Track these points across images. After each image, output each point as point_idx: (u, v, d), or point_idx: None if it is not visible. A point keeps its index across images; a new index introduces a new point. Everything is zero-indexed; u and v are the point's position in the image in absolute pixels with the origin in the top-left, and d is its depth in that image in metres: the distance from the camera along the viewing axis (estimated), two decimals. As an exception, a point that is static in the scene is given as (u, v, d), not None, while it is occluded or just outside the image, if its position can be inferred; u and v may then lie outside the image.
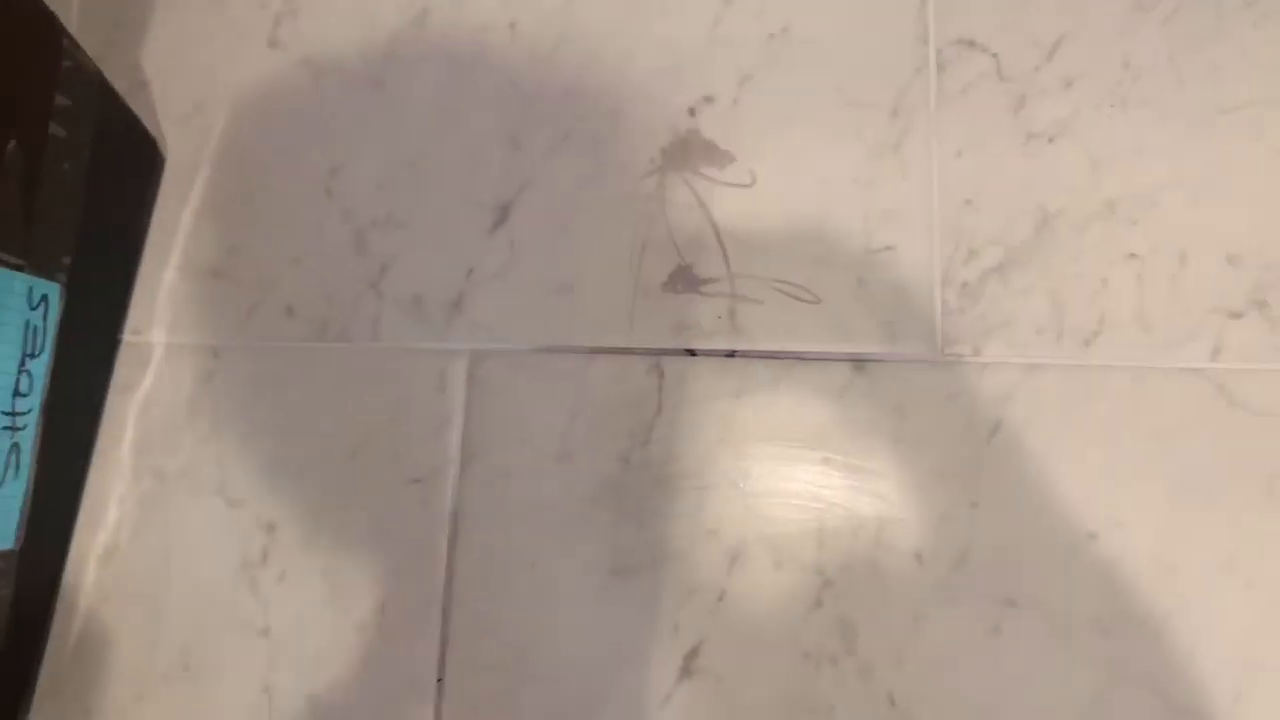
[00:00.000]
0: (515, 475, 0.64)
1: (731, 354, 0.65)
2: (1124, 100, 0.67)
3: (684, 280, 0.67)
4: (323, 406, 0.66)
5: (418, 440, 0.66)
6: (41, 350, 0.58)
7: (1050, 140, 0.67)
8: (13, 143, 0.54)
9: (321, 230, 0.70)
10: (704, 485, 0.63)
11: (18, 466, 0.57)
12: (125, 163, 0.68)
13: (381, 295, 0.68)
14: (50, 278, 0.59)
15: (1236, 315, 0.63)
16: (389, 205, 0.69)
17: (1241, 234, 0.64)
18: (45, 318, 0.58)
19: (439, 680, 0.62)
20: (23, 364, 0.56)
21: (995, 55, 0.68)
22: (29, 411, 0.57)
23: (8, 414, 0.55)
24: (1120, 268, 0.64)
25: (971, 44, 0.69)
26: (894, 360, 0.64)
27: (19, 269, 0.56)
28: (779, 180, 0.67)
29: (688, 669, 0.61)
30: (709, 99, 0.69)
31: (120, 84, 0.70)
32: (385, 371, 0.67)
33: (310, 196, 0.70)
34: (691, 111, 0.69)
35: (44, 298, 0.58)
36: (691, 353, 0.65)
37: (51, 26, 0.58)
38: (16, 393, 0.56)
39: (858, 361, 0.64)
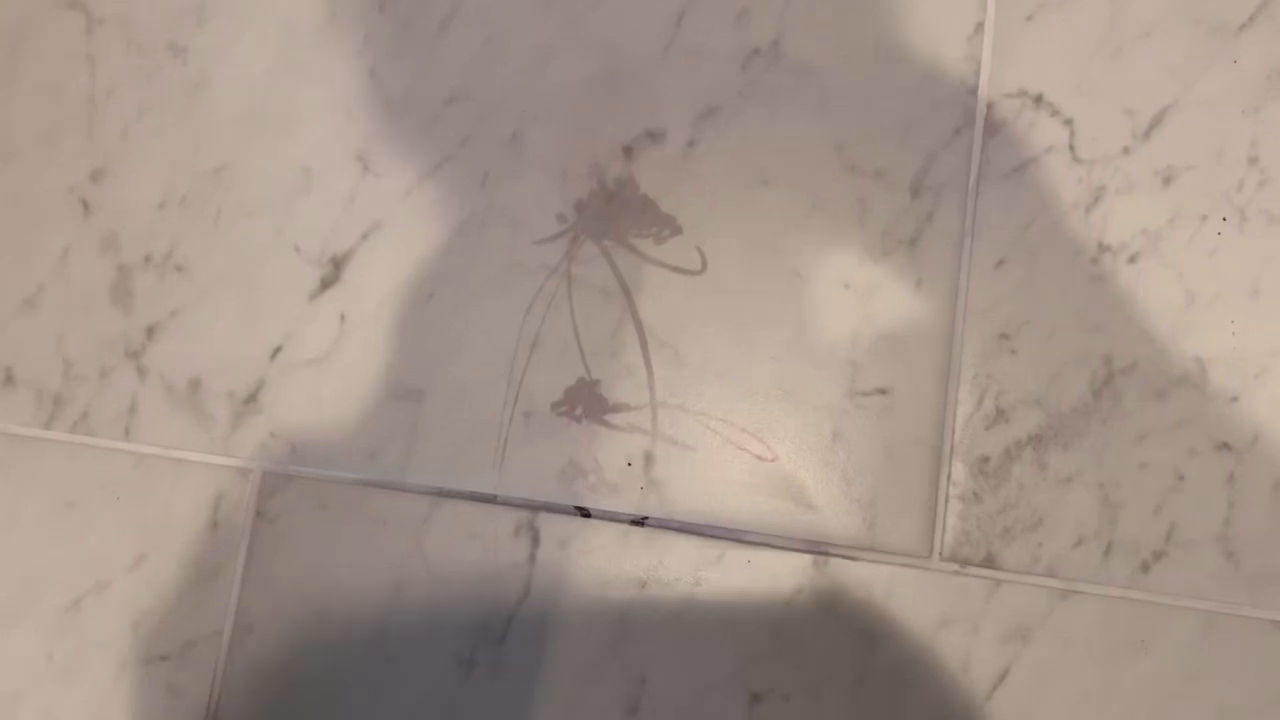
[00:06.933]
0: (303, 666, 0.44)
1: (641, 521, 0.45)
2: (1243, 213, 0.47)
3: (586, 402, 0.46)
4: (36, 527, 0.45)
5: (173, 594, 0.45)
6: None
7: (1132, 259, 0.46)
8: None
9: (68, 257, 0.47)
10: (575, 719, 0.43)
11: None
12: None
13: (144, 372, 0.46)
14: None
15: (1359, 548, 0.44)
16: (170, 236, 0.47)
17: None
18: None
19: None
20: None
21: (1070, 121, 0.47)
22: None
23: None
24: (1205, 462, 0.45)
25: (1039, 101, 0.47)
26: (870, 559, 0.44)
27: None
28: (738, 269, 0.46)
29: None
30: (654, 135, 0.47)
31: None
32: (135, 487, 0.46)
33: (58, 204, 0.48)
34: (627, 151, 0.47)
35: None
36: (584, 513, 0.45)
37: None
38: None
39: (818, 554, 0.44)
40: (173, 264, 0.48)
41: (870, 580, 0.45)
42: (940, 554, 0.45)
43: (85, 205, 0.48)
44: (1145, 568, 0.45)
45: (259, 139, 0.48)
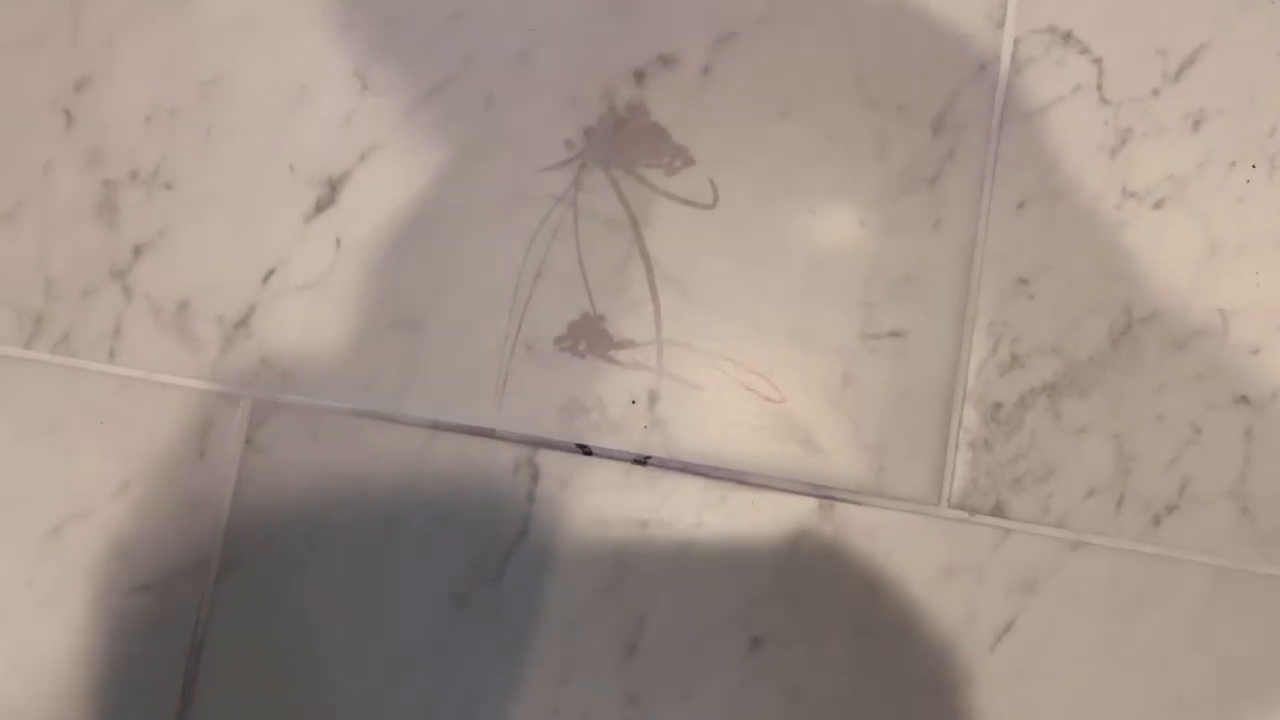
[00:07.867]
0: (292, 601, 0.43)
1: (644, 461, 0.43)
2: (1273, 160, 0.45)
3: (590, 337, 0.44)
4: (16, 451, 0.44)
5: (158, 523, 0.43)
6: None
7: (1157, 205, 0.45)
8: None
9: (50, 171, 0.45)
10: (571, 659, 0.42)
11: None
12: None
13: (130, 293, 0.44)
14: None
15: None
16: (158, 151, 0.45)
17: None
18: None
19: None
20: None
21: (1099, 60, 0.45)
22: None
23: None
24: (1223, 416, 0.44)
25: (1068, 37, 0.46)
26: (877, 505, 0.43)
27: None
28: (751, 203, 0.44)
29: None
30: (667, 60, 0.45)
31: None
32: (120, 411, 0.44)
33: (40, 115, 0.45)
34: (639, 76, 0.45)
35: None
36: (586, 450, 0.43)
37: None
38: None
39: (823, 499, 0.43)
40: (161, 181, 0.45)
41: (876, 526, 0.44)
42: (949, 501, 0.44)
43: (68, 116, 0.46)
44: (1157, 521, 0.44)
45: (253, 50, 0.46)
